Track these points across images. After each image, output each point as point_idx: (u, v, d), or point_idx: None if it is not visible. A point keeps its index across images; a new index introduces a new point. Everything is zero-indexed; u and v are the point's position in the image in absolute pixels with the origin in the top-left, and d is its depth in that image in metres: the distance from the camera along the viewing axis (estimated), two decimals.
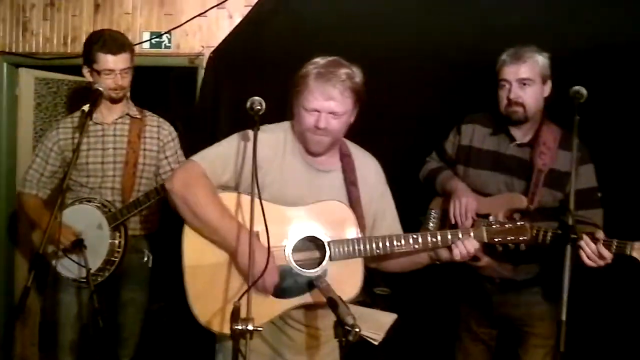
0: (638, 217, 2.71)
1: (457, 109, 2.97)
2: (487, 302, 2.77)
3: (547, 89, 2.64)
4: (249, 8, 3.53)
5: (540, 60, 2.60)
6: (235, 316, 1.85)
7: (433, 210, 2.83)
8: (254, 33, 3.42)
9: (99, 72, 2.86)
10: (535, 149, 2.62)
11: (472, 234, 2.23)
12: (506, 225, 2.23)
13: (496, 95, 2.66)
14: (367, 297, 3.05)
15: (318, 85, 2.16)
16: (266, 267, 1.99)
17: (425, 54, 3.10)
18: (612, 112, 2.86)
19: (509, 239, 2.23)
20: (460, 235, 2.22)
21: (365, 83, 2.24)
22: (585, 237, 2.31)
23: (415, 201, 2.91)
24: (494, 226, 2.24)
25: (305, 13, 3.26)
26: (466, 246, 2.20)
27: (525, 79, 2.57)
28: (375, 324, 2.76)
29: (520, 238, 2.23)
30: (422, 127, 3.12)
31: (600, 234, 2.34)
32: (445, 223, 2.75)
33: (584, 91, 2.28)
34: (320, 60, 2.22)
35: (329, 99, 2.16)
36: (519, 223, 2.23)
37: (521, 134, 2.68)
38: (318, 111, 2.17)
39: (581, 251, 2.31)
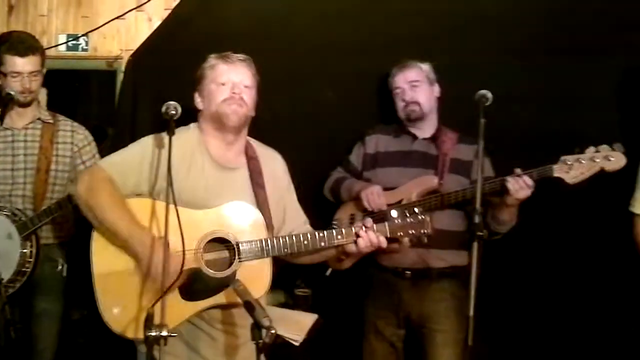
0: None
1: (363, 119, 3.13)
2: (396, 300, 2.83)
3: (436, 90, 2.92)
4: (169, 11, 3.51)
5: (424, 66, 2.92)
6: (148, 323, 1.84)
7: (336, 222, 2.89)
8: (173, 36, 3.40)
9: (5, 75, 2.79)
10: (437, 140, 2.86)
11: (375, 228, 2.27)
12: (408, 220, 2.29)
13: (393, 104, 2.93)
14: (289, 299, 3.08)
15: (225, 62, 2.32)
16: (181, 271, 2.00)
17: (340, 62, 3.17)
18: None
19: (411, 232, 2.29)
20: (363, 230, 2.26)
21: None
22: (508, 178, 2.55)
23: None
24: (396, 221, 2.30)
25: (225, 17, 3.26)
26: (371, 239, 2.24)
27: (414, 80, 2.87)
28: (295, 325, 2.81)
29: (422, 231, 2.29)
30: (332, 135, 3.19)
31: (518, 170, 2.58)
32: None
33: (489, 95, 2.39)
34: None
35: (238, 70, 2.31)
36: (420, 217, 2.29)
37: (422, 132, 2.91)
38: (231, 81, 2.29)
39: (510, 188, 2.53)
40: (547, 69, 3.06)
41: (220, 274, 2.19)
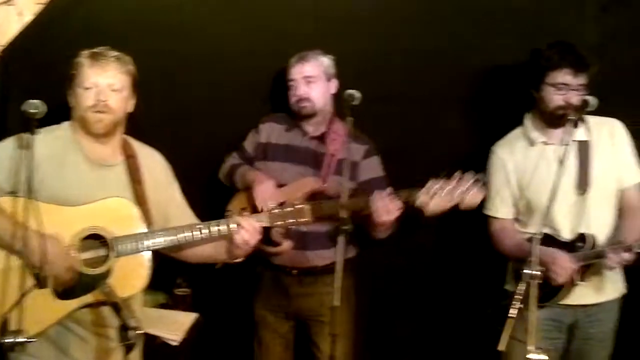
0: None
1: (258, 110, 3.10)
2: (285, 296, 2.89)
3: (333, 86, 2.90)
4: (41, 6, 3.38)
5: (325, 60, 2.87)
6: (4, 329, 1.79)
7: (229, 212, 2.90)
8: (47, 31, 3.28)
9: None
10: (327, 139, 2.85)
11: (255, 219, 2.31)
12: (286, 209, 2.33)
13: (287, 95, 2.88)
14: (169, 299, 3.06)
15: (93, 63, 2.26)
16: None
17: (223, 58, 3.15)
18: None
19: (289, 221, 2.33)
20: (242, 221, 2.28)
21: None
22: (376, 195, 2.54)
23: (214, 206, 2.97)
24: (275, 210, 2.33)
25: (100, 13, 3.18)
26: (248, 229, 2.26)
27: (310, 76, 2.82)
28: (174, 325, 2.81)
29: (300, 220, 2.33)
30: (223, 128, 3.17)
31: (389, 190, 2.58)
32: None
33: (357, 94, 2.45)
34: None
35: (105, 72, 2.25)
36: (298, 206, 2.33)
37: (313, 128, 2.90)
38: (97, 86, 2.23)
39: (376, 205, 2.53)
40: (412, 69, 3.16)
41: (93, 271, 2.15)
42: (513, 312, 2.12)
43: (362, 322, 3.00)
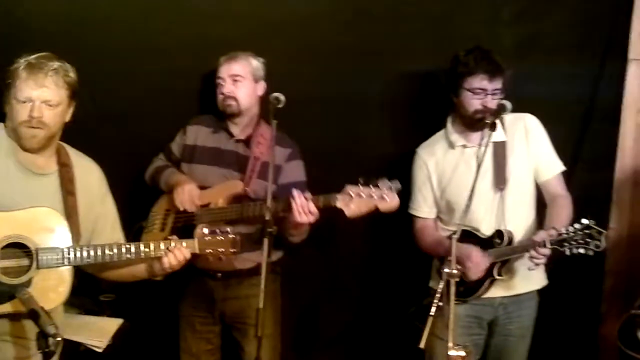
0: None
1: (186, 111, 3.09)
2: (210, 299, 2.88)
3: (261, 88, 2.90)
4: None
5: (254, 62, 2.88)
6: None
7: (155, 213, 2.88)
8: None
9: None
10: (251, 142, 2.86)
11: (184, 244, 2.29)
12: (218, 237, 2.32)
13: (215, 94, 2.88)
14: (94, 305, 3.00)
15: (30, 74, 2.14)
16: None
17: (150, 59, 3.11)
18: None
19: (220, 250, 2.32)
20: (172, 245, 2.26)
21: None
22: (295, 194, 2.55)
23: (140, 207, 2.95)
24: (206, 237, 2.32)
25: (28, 13, 3.08)
26: (176, 255, 2.25)
27: (237, 75, 2.83)
28: (99, 332, 2.76)
29: (231, 250, 2.33)
30: (150, 128, 3.14)
31: (309, 195, 2.59)
32: (167, 222, 2.82)
33: (282, 97, 2.47)
34: (32, 55, 2.19)
35: (41, 87, 2.14)
36: (230, 235, 2.33)
37: (239, 131, 2.90)
38: (32, 100, 2.13)
39: (294, 206, 2.54)
40: (335, 73, 3.20)
41: (12, 281, 2.09)
42: (433, 309, 2.19)
43: (289, 323, 3.03)
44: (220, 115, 2.91)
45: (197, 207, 2.76)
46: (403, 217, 2.87)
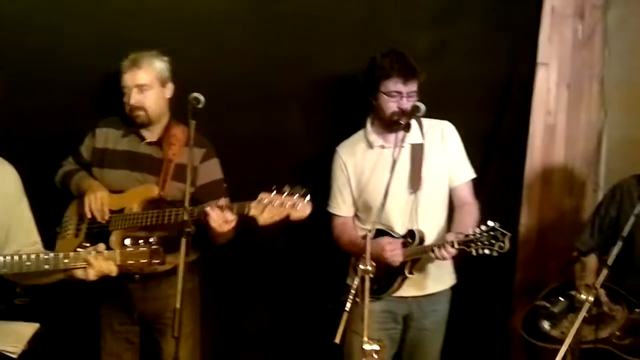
0: None
1: (92, 112, 3.05)
2: (129, 300, 2.86)
3: (169, 91, 2.86)
4: None
5: (158, 65, 2.80)
6: None
7: (68, 218, 2.83)
8: None
9: None
10: (164, 144, 2.81)
11: (105, 254, 2.24)
12: (141, 249, 2.26)
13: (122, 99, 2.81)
14: (7, 309, 2.93)
15: None
16: None
17: (58, 56, 3.05)
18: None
19: (142, 262, 2.26)
20: (92, 255, 2.21)
21: None
22: (209, 211, 2.54)
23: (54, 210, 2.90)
24: (128, 249, 2.26)
25: None
26: (98, 270, 2.22)
27: (143, 85, 2.75)
28: (13, 337, 2.67)
29: (154, 261, 2.28)
30: (58, 129, 3.08)
31: (222, 202, 2.60)
32: (81, 228, 2.78)
33: (201, 97, 2.48)
34: None
35: None
36: (154, 246, 2.28)
37: (150, 134, 2.86)
38: None
39: (209, 219, 2.54)
40: (256, 74, 3.23)
41: None
42: (348, 305, 2.25)
43: (209, 323, 3.04)
44: (129, 119, 2.83)
45: (107, 216, 2.72)
46: (322, 215, 2.92)
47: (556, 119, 3.56)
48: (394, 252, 2.74)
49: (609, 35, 3.59)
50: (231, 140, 3.07)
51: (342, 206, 2.98)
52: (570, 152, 3.59)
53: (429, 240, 2.83)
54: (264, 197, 2.53)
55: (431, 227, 2.88)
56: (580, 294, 2.05)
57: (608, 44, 3.59)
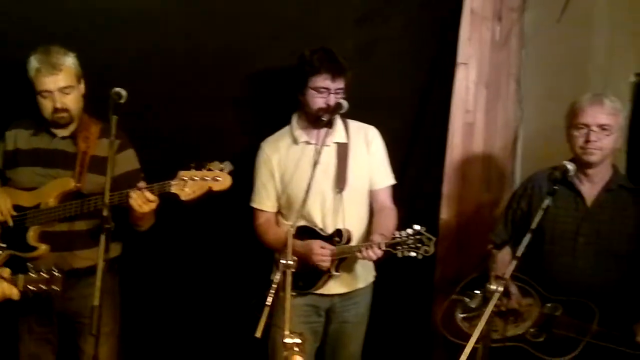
0: None
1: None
2: (47, 300, 2.78)
3: (83, 87, 2.81)
4: None
5: (73, 63, 2.74)
6: None
7: None
8: None
9: None
10: (78, 138, 2.78)
11: (7, 279, 2.29)
12: (42, 275, 2.35)
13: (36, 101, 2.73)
14: None
15: None
16: None
17: None
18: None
19: (42, 287, 2.35)
20: None
21: None
22: (131, 193, 2.54)
23: None
24: (31, 276, 2.34)
25: None
26: (4, 291, 2.27)
27: (66, 87, 2.70)
28: None
29: (53, 287, 2.35)
30: None
31: (142, 184, 2.58)
32: None
33: (124, 92, 2.45)
34: None
35: None
36: (56, 274, 2.36)
37: (62, 130, 2.81)
38: None
39: (130, 200, 2.53)
40: (187, 69, 3.23)
41: None
42: (269, 300, 2.28)
43: (131, 322, 3.01)
44: (39, 117, 2.77)
45: (9, 216, 2.69)
46: (245, 210, 2.94)
47: (475, 117, 3.67)
48: (324, 258, 2.79)
49: (525, 36, 3.74)
50: (159, 135, 3.05)
51: (266, 201, 2.99)
52: (488, 148, 3.71)
53: (353, 240, 2.89)
54: (184, 173, 2.55)
55: (356, 226, 2.94)
56: (490, 285, 2.13)
57: (524, 45, 3.74)
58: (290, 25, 3.32)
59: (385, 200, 3.02)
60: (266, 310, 2.26)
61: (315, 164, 2.55)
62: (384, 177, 3.04)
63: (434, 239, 2.66)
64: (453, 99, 3.61)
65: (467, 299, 2.79)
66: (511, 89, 3.75)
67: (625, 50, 3.17)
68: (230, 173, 2.55)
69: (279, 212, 3.03)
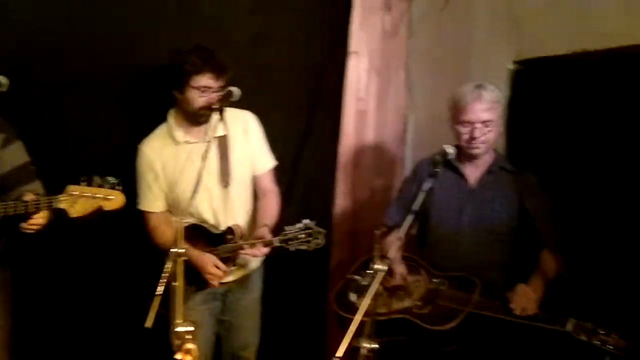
0: None
1: None
2: None
3: None
4: None
5: None
6: None
7: None
8: None
9: None
10: None
11: None
12: None
13: None
14: None
15: None
16: None
17: None
18: None
19: None
20: None
21: None
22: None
23: None
24: None
25: None
26: None
27: None
28: None
29: None
30: None
31: (30, 197, 2.46)
32: None
33: (5, 80, 2.37)
34: None
35: None
36: None
37: None
38: None
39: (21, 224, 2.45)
40: (67, 62, 3.12)
41: None
42: (159, 289, 2.26)
43: (23, 317, 2.90)
44: None
45: None
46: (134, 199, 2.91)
47: (367, 105, 3.77)
48: (216, 279, 2.83)
49: (413, 26, 3.87)
50: (38, 131, 2.93)
51: (153, 202, 2.95)
52: (380, 135, 3.82)
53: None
54: (74, 189, 2.46)
55: (244, 220, 2.98)
56: (375, 265, 2.21)
57: (413, 35, 3.87)
58: (178, 17, 3.28)
59: (268, 184, 3.05)
60: (157, 300, 2.25)
61: (203, 162, 2.47)
62: (265, 161, 3.06)
63: (323, 231, 2.71)
64: (345, 87, 3.69)
65: (359, 278, 2.88)
66: (401, 77, 3.87)
67: (504, 39, 3.33)
68: (121, 191, 2.47)
69: (168, 211, 3.00)
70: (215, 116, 2.76)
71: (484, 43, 3.45)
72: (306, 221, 2.72)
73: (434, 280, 2.83)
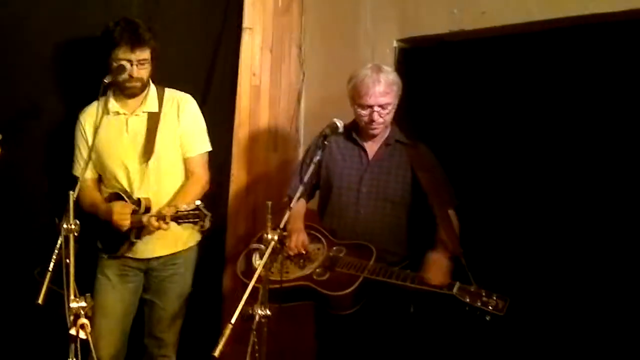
0: None
1: None
2: None
3: None
4: None
5: None
6: None
7: None
8: None
9: None
10: None
11: None
12: None
13: None
14: None
15: None
16: None
17: None
18: None
19: None
20: None
21: None
22: None
23: None
24: None
25: None
26: None
27: None
28: None
29: None
30: None
31: None
32: None
33: None
34: None
35: None
36: None
37: None
38: None
39: None
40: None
41: None
42: (51, 265, 2.25)
43: None
44: None
45: None
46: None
47: (260, 80, 3.84)
48: (122, 217, 2.84)
49: (305, 4, 3.95)
50: None
51: (83, 170, 2.91)
52: (274, 111, 3.91)
53: (155, 208, 2.91)
54: None
55: (162, 196, 3.00)
56: (266, 235, 2.29)
57: (305, 12, 3.95)
58: None
59: (195, 168, 3.08)
60: (48, 276, 2.24)
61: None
62: (195, 146, 3.10)
63: (209, 214, 2.73)
64: (240, 63, 3.74)
65: (262, 247, 2.96)
66: (293, 53, 3.97)
67: (389, 17, 3.46)
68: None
69: (98, 179, 3.07)
70: (151, 92, 2.87)
71: (371, 21, 3.57)
72: (198, 202, 2.77)
73: (334, 248, 2.96)
